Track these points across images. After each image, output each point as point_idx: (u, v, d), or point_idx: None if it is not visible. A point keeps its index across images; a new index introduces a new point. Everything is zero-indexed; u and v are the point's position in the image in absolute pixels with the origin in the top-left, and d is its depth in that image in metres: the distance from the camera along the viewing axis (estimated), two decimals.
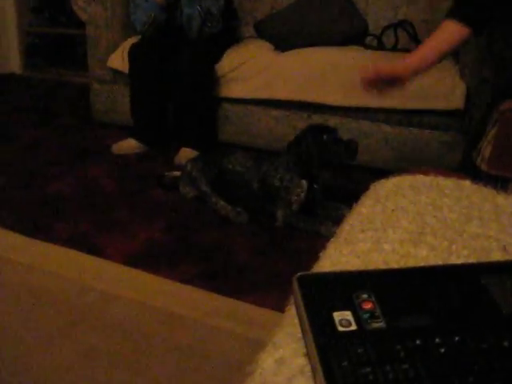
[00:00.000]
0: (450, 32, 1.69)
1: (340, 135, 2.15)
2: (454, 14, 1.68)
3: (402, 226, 0.82)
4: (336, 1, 3.03)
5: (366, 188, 1.16)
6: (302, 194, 2.16)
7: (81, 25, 3.49)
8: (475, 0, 1.65)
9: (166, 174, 2.55)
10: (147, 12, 2.83)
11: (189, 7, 2.80)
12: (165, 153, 2.94)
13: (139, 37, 3.02)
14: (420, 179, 1.02)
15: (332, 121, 2.71)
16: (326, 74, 2.66)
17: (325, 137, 2.11)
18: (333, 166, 2.22)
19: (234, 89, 2.87)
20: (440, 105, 2.51)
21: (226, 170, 2.29)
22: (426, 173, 1.07)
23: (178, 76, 2.81)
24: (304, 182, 2.17)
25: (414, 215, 0.85)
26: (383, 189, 1.00)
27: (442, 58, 1.75)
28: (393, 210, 0.87)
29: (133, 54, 2.91)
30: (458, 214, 0.87)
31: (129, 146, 2.96)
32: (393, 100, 2.54)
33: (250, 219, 2.23)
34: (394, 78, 1.75)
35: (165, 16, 2.87)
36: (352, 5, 3.10)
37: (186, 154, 2.80)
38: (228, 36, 3.07)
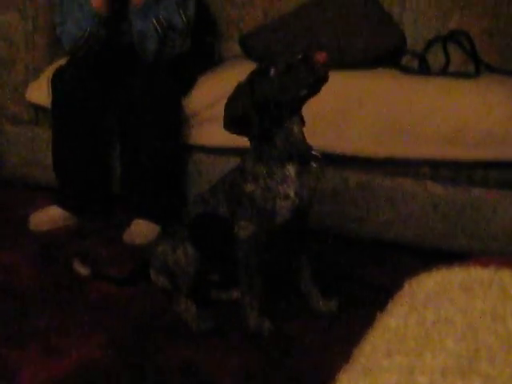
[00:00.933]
0: None
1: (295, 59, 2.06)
2: None
3: (445, 346, 0.84)
4: (359, 5, 3.14)
5: (397, 285, 1.19)
6: (291, 192, 2.09)
7: None
8: None
9: (76, 267, 2.57)
10: (81, 24, 2.90)
11: (140, 20, 2.85)
12: (108, 226, 2.99)
13: (68, 58, 3.08)
14: (475, 274, 1.05)
15: (355, 178, 2.77)
16: (345, 111, 2.73)
17: (272, 71, 2.06)
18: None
19: (209, 133, 2.93)
20: None
21: (192, 229, 2.30)
22: (484, 264, 1.10)
23: (126, 115, 2.87)
24: (291, 168, 2.10)
25: (465, 330, 0.87)
26: (422, 289, 1.03)
27: None
28: (434, 323, 0.89)
29: (57, 80, 2.96)
30: None
31: (53, 216, 3.00)
32: (443, 148, 2.60)
33: (235, 325, 2.24)
34: None
35: (105, 31, 2.94)
36: (382, 10, 3.21)
37: (140, 228, 2.85)
38: (201, 57, 3.16)
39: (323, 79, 2.03)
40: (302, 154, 2.11)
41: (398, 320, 0.94)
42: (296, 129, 2.11)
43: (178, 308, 2.30)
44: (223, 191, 2.22)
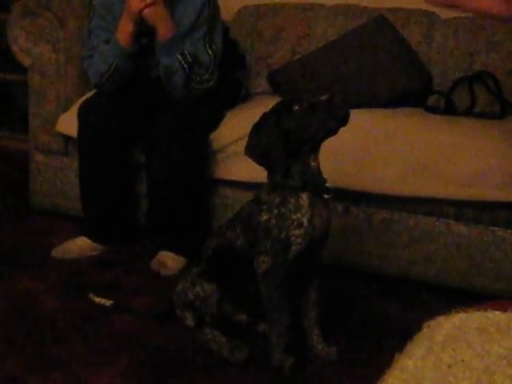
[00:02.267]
0: None
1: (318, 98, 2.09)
2: None
3: None
4: (386, 43, 3.17)
5: (418, 324, 1.20)
6: (305, 220, 2.10)
7: (21, 69, 3.64)
8: None
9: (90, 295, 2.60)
10: (107, 59, 2.94)
11: (166, 55, 2.89)
12: (133, 257, 3.02)
13: (95, 91, 3.14)
14: (493, 318, 1.06)
15: (379, 216, 2.79)
16: (370, 149, 2.75)
17: (296, 107, 2.08)
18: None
19: (235, 168, 2.96)
20: None
21: (210, 263, 2.32)
22: (502, 307, 1.11)
23: (153, 149, 2.90)
24: (305, 197, 2.11)
25: (481, 374, 0.89)
26: (440, 332, 1.04)
27: None
28: (450, 366, 0.90)
29: (83, 113, 3.01)
30: None
31: (80, 246, 3.03)
32: (467, 188, 2.62)
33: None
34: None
35: (132, 65, 2.98)
36: (409, 50, 3.24)
37: (165, 259, 2.88)
38: (229, 93, 3.20)
39: (342, 123, 2.07)
40: (316, 186, 2.14)
41: (416, 361, 0.95)
42: (313, 163, 2.14)
43: (205, 339, 2.30)
44: (240, 223, 2.24)
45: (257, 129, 2.14)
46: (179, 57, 2.86)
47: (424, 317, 1.20)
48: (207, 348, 2.29)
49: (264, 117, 2.15)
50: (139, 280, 2.82)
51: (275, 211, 2.11)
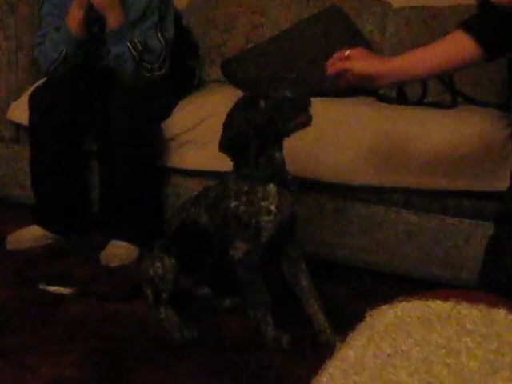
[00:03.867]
0: (458, 45, 1.88)
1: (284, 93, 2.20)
2: (468, 26, 1.92)
3: (399, 379, 0.86)
4: (338, 32, 3.18)
5: (360, 315, 1.21)
6: (273, 207, 2.21)
7: None
8: (496, 21, 1.86)
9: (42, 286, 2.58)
10: (58, 46, 2.93)
11: (116, 44, 2.89)
12: (86, 246, 3.01)
13: (45, 79, 3.13)
14: (434, 307, 1.07)
15: (330, 205, 2.80)
16: (321, 138, 2.76)
17: (261, 103, 2.18)
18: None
19: (188, 157, 2.97)
20: (488, 184, 2.58)
21: (174, 238, 2.39)
22: (444, 297, 1.12)
23: (104, 137, 2.89)
24: (272, 186, 2.22)
25: (419, 363, 0.89)
26: (381, 321, 1.05)
27: (434, 73, 2.04)
28: (389, 355, 0.91)
29: (34, 101, 3.00)
30: (480, 362, 0.91)
31: (32, 235, 3.01)
32: (417, 177, 2.63)
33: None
34: (367, 78, 2.02)
35: (82, 53, 2.99)
36: (362, 39, 3.25)
37: (117, 249, 2.88)
38: (182, 81, 3.18)
39: (306, 125, 2.19)
40: (281, 177, 2.25)
41: (356, 351, 0.96)
42: (278, 155, 2.25)
43: (158, 318, 2.36)
44: (205, 203, 2.32)
45: (227, 125, 2.23)
46: (129, 45, 2.86)
47: (373, 305, 1.21)
48: (161, 327, 2.33)
49: (232, 114, 2.23)
50: (93, 269, 2.81)
51: (244, 198, 2.21)
